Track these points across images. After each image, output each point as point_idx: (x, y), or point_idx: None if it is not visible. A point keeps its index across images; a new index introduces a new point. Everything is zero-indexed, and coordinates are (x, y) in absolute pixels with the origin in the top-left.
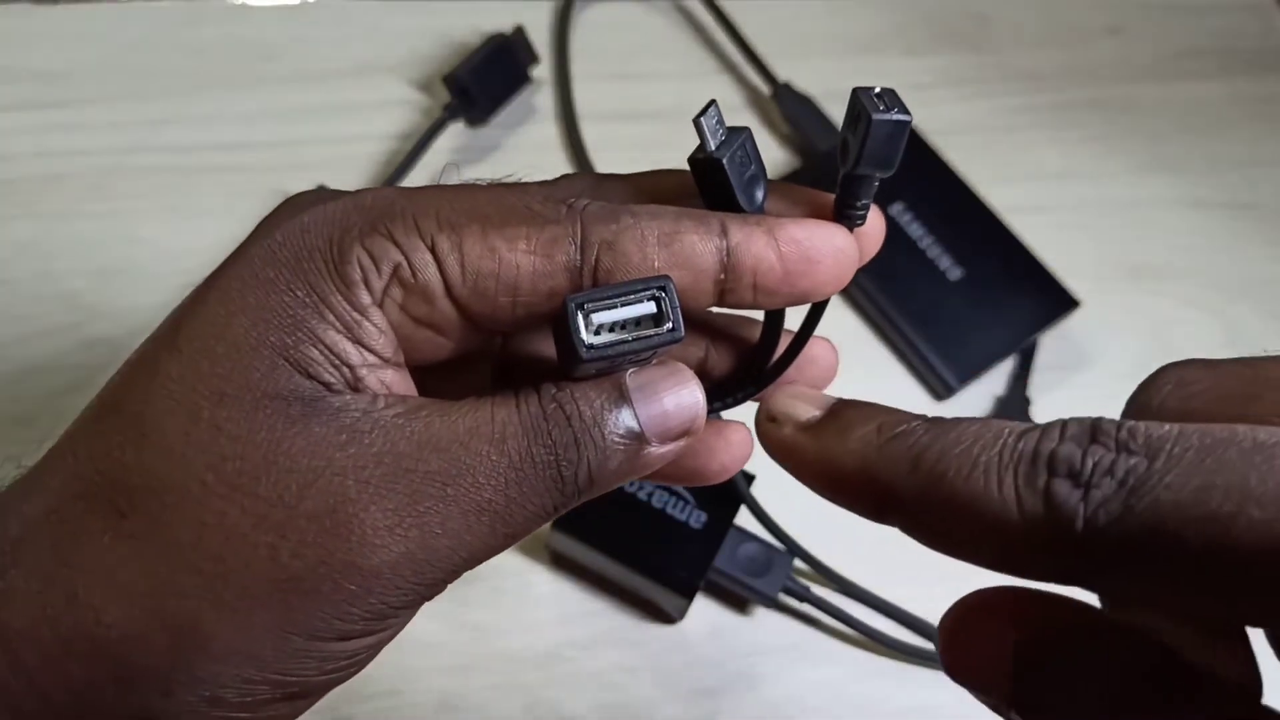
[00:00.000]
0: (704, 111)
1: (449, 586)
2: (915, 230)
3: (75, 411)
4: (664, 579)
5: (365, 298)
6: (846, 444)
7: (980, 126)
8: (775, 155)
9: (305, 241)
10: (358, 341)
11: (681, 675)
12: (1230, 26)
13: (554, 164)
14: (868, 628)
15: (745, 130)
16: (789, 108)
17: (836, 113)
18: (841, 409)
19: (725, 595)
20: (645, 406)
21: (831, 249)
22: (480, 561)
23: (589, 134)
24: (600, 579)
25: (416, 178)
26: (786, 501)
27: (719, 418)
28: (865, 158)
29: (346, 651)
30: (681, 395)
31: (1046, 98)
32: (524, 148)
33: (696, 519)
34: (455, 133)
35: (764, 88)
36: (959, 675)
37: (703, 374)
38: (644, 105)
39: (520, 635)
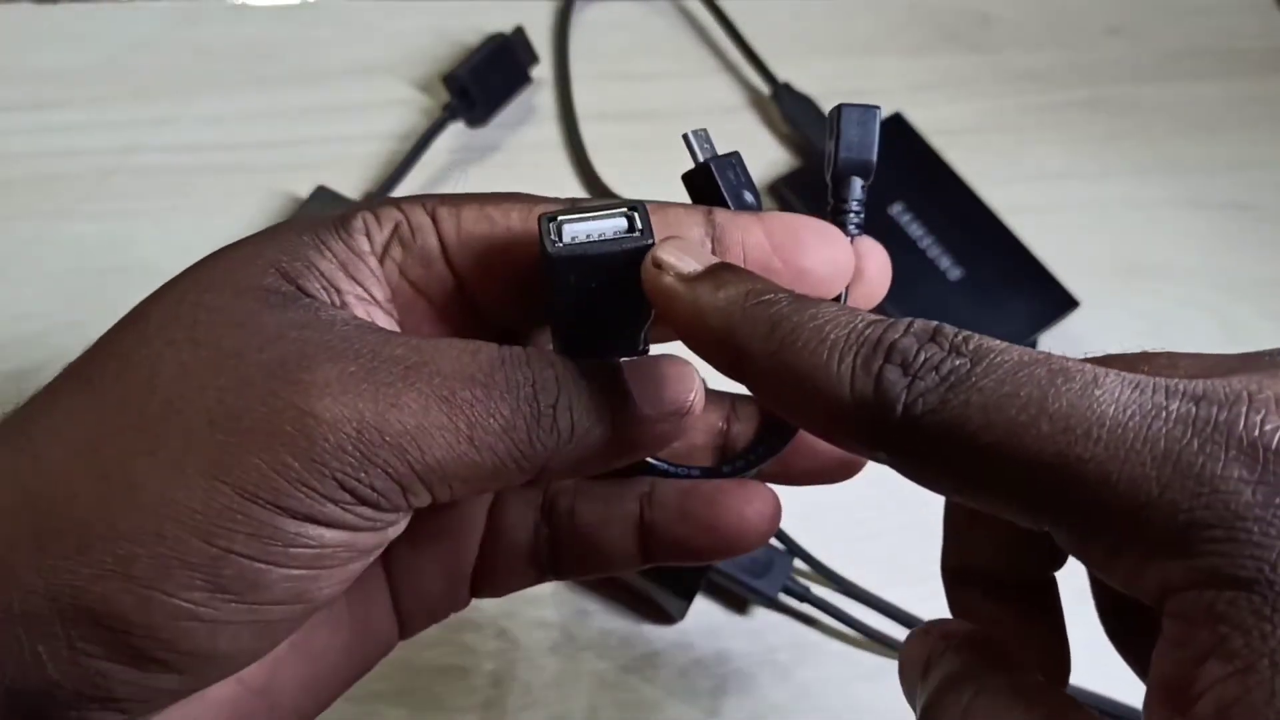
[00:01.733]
0: (694, 131)
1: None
2: (915, 230)
3: None
4: (664, 579)
5: (364, 244)
6: (715, 300)
7: (980, 126)
8: (775, 155)
9: (317, 216)
10: (351, 277)
11: (681, 675)
12: (1230, 26)
13: (554, 164)
14: (868, 628)
15: (734, 153)
16: (789, 108)
17: None
18: (720, 269)
19: (725, 595)
20: (636, 368)
21: (818, 227)
22: (450, 477)
23: (589, 134)
24: (600, 579)
25: (416, 177)
26: (786, 501)
27: (753, 478)
28: (842, 147)
29: (282, 532)
30: (673, 366)
31: (1046, 98)
32: (524, 148)
33: None
34: (455, 133)
35: (764, 88)
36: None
37: (725, 443)
38: (644, 105)
39: (520, 635)
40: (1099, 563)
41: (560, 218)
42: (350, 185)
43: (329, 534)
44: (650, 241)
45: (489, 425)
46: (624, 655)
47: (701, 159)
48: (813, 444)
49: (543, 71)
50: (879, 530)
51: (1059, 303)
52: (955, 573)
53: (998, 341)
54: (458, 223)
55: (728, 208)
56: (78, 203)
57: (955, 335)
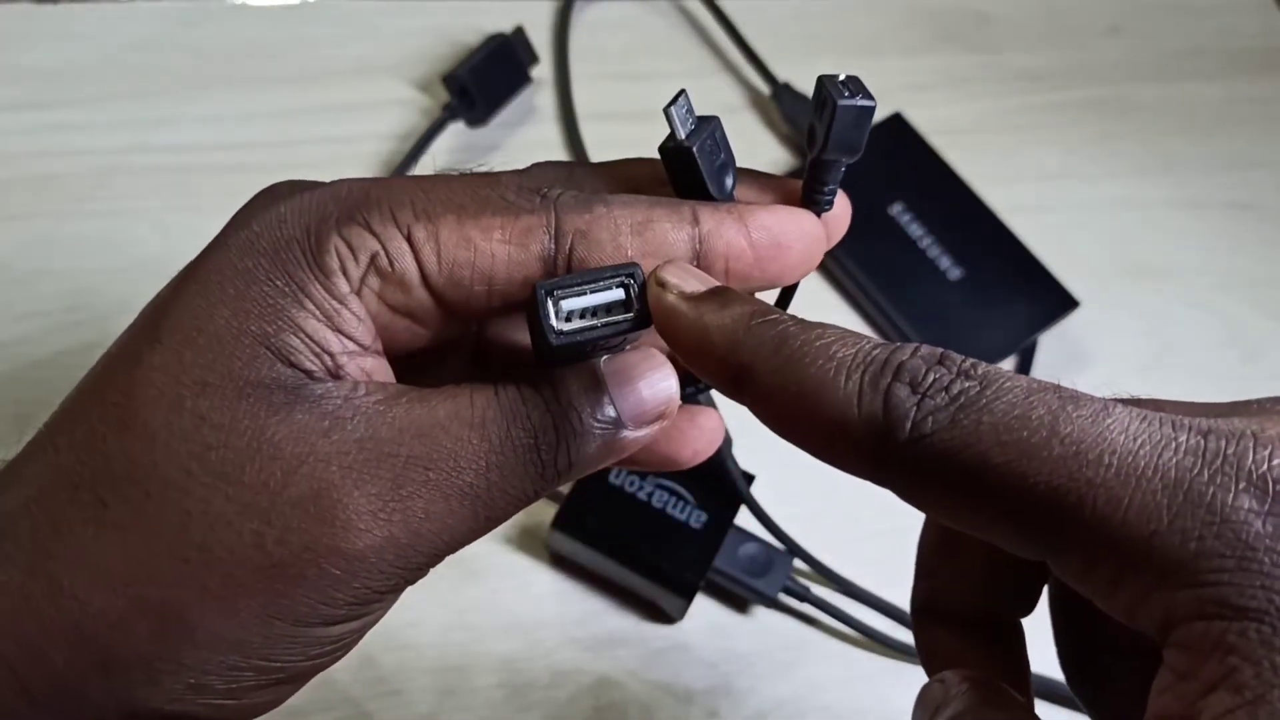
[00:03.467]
0: (674, 101)
1: (448, 586)
2: (915, 230)
3: None
4: (664, 579)
5: (343, 286)
6: (720, 318)
7: (980, 126)
8: (775, 155)
9: (283, 232)
10: (337, 330)
11: (681, 675)
12: (1230, 26)
13: None
14: (868, 628)
15: (714, 119)
16: (789, 108)
17: None
18: (724, 290)
19: (725, 595)
20: (620, 391)
21: (800, 233)
22: (462, 545)
23: (589, 134)
24: (600, 579)
25: None
26: (786, 501)
27: (696, 401)
28: (832, 143)
29: (331, 636)
30: (655, 379)
31: (1046, 98)
32: (524, 148)
33: (696, 519)
34: (455, 133)
35: (764, 88)
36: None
37: (674, 360)
38: (644, 105)
39: (520, 635)
40: (1101, 591)
41: (557, 292)
42: None
43: (368, 619)
44: (648, 322)
45: (502, 502)
46: (624, 655)
47: (684, 136)
48: None
49: (543, 71)
50: (879, 530)
51: (1059, 303)
52: (924, 611)
53: (1005, 370)
54: (436, 247)
55: (708, 193)
56: (78, 203)
57: (963, 360)
